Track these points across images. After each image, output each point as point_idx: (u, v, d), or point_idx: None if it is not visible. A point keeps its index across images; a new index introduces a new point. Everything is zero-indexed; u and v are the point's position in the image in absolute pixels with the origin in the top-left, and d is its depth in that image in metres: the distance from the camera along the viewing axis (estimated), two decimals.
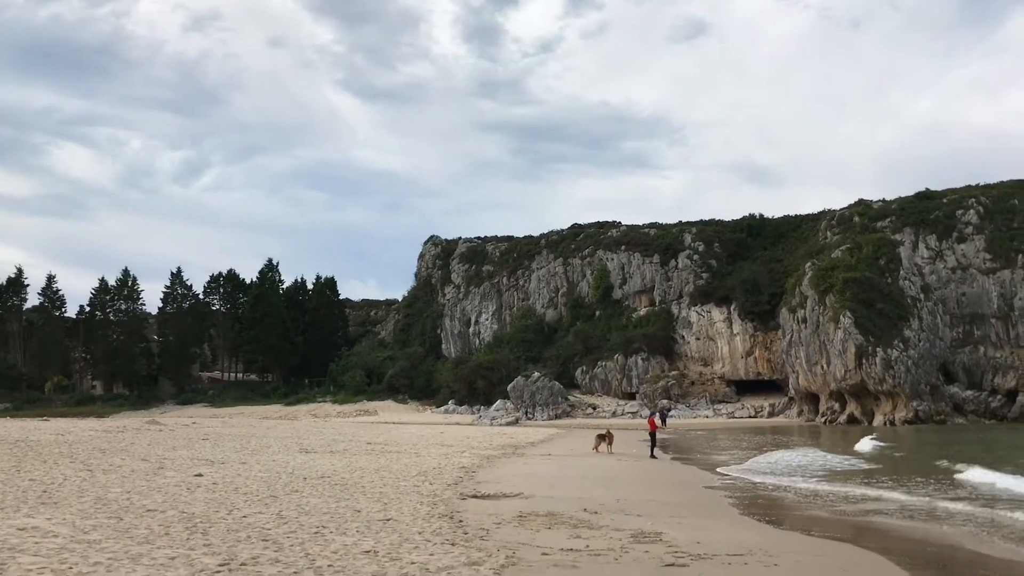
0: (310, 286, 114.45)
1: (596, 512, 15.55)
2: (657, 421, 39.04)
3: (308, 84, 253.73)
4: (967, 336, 72.34)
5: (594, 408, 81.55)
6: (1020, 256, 72.60)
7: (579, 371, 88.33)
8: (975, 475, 24.09)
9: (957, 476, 24.64)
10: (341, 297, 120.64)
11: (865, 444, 40.17)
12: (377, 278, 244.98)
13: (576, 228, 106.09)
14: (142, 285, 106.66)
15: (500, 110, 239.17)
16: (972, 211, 77.22)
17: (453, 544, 11.19)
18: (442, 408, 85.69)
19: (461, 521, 13.55)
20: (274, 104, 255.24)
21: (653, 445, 33.89)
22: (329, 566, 9.37)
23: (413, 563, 9.71)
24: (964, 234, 76.18)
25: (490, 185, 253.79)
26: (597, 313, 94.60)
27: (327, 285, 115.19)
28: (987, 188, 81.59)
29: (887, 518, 17.22)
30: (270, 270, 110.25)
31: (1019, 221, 75.36)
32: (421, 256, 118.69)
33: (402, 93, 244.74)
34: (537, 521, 13.99)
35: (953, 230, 76.86)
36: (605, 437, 35.50)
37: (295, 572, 9.01)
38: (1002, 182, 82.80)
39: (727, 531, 14.43)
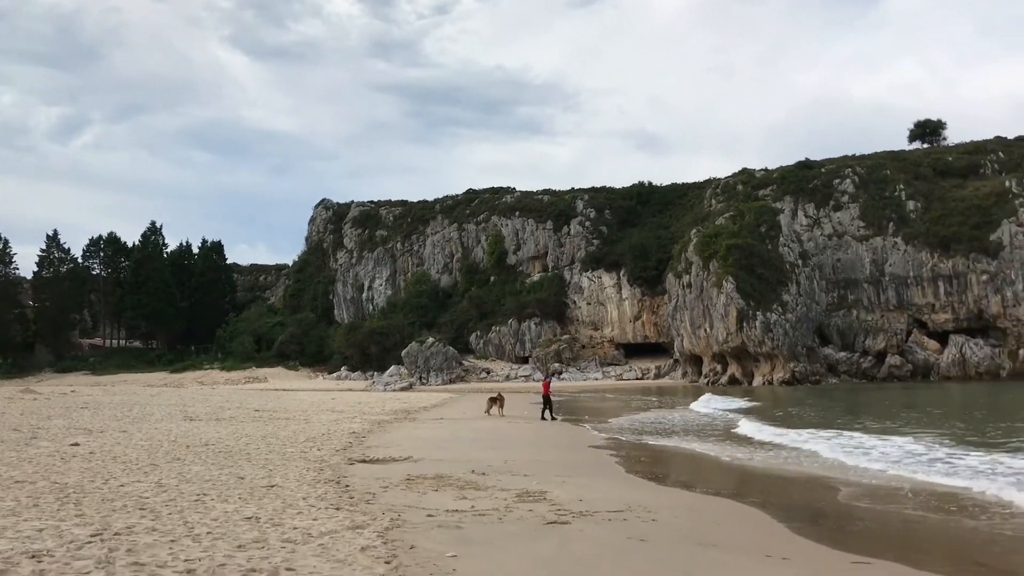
0: (196, 250, 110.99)
1: (484, 473, 15.79)
2: (556, 384, 39.67)
3: (194, 41, 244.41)
4: (841, 300, 75.98)
5: (488, 372, 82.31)
6: (891, 224, 76.47)
7: (473, 336, 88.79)
8: (745, 427, 28.74)
9: (733, 430, 28.58)
10: (229, 262, 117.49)
11: (702, 403, 43.21)
12: (267, 242, 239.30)
13: (471, 193, 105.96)
14: (15, 248, 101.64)
15: (395, 72, 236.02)
16: (848, 181, 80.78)
17: (338, 508, 11.19)
18: (334, 374, 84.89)
19: (348, 486, 13.54)
20: (158, 61, 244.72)
21: (546, 407, 34.33)
22: (208, 533, 9.25)
23: (295, 528, 9.68)
24: (840, 203, 79.68)
25: (384, 148, 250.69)
26: (492, 278, 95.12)
27: (214, 249, 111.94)
28: (862, 159, 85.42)
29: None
30: (153, 233, 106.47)
31: (890, 191, 79.30)
32: (312, 220, 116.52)
33: (293, 52, 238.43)
34: (424, 484, 14.11)
35: (830, 199, 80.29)
36: (496, 400, 35.90)
37: (172, 540, 8.85)
38: (876, 153, 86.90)
39: (610, 489, 14.86)
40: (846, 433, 24.89)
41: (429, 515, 10.96)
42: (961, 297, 72.78)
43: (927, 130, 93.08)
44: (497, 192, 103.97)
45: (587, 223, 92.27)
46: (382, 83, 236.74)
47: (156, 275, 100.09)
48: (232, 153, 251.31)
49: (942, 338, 72.23)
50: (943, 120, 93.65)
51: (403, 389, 70.42)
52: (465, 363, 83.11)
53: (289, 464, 16.37)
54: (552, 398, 35.43)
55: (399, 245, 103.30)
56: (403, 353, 79.34)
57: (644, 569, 8.76)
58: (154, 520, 9.92)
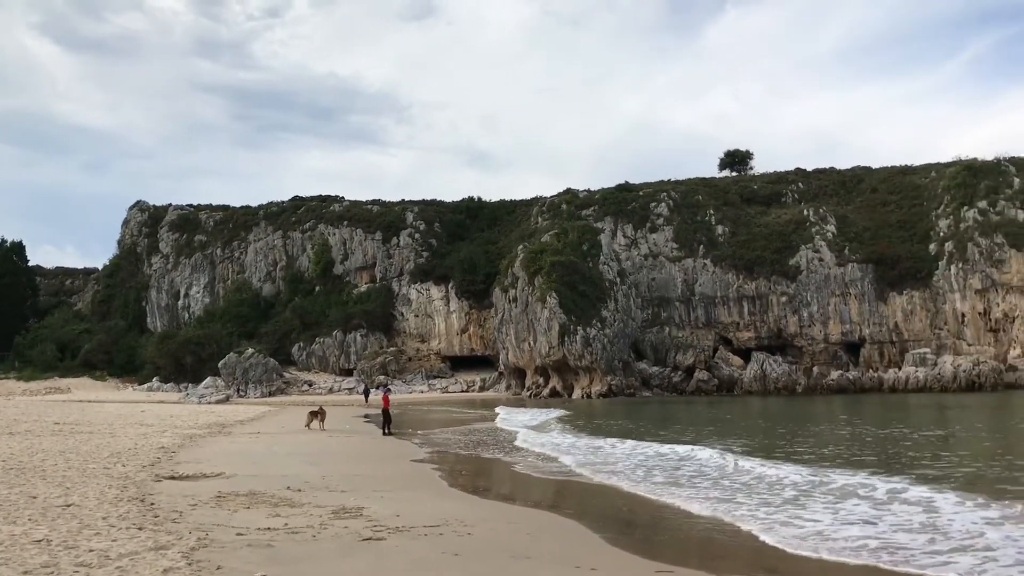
0: None
1: (300, 490, 15.48)
2: (374, 397, 39.20)
3: None
4: (655, 317, 79.68)
5: (310, 385, 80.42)
6: (701, 247, 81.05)
7: (296, 347, 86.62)
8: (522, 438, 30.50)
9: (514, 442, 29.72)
10: (32, 264, 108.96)
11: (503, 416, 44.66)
12: (77, 244, 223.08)
13: (298, 200, 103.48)
14: None
15: (221, 72, 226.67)
16: (663, 204, 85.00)
17: (141, 528, 10.67)
18: (145, 386, 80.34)
19: (153, 504, 12.93)
20: None
21: (386, 422, 33.88)
22: None
23: (91, 551, 9.16)
24: (656, 225, 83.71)
25: (208, 150, 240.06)
26: (317, 288, 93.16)
27: (13, 250, 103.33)
28: (677, 183, 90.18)
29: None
30: None
31: (702, 215, 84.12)
32: (126, 223, 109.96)
33: (111, 45, 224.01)
34: (236, 501, 13.68)
35: (647, 220, 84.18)
36: (317, 414, 35.21)
37: None
38: (689, 179, 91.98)
39: (429, 503, 14.93)
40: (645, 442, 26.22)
41: (239, 534, 10.65)
42: (763, 317, 78.11)
43: (736, 159, 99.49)
44: (325, 200, 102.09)
45: (417, 235, 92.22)
46: (207, 83, 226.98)
47: None
48: (38, 147, 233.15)
49: (745, 355, 77.06)
50: (750, 151, 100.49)
51: (219, 402, 67.56)
52: (287, 375, 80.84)
53: (90, 481, 15.42)
54: (369, 410, 35.03)
55: (219, 251, 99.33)
56: (220, 364, 76.16)
57: None
58: None
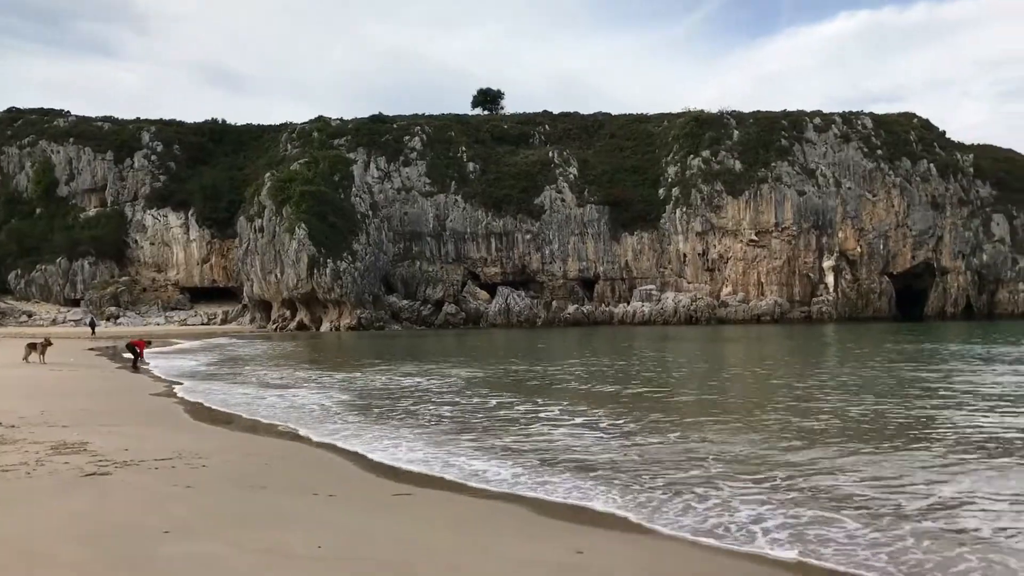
0: None
1: (14, 426, 14.37)
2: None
3: None
4: (407, 252, 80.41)
5: (30, 316, 73.78)
6: (453, 183, 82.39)
7: (13, 275, 78.87)
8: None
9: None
10: None
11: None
12: None
13: (14, 112, 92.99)
14: None
15: None
16: (417, 138, 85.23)
17: None
18: None
19: None
20: None
21: (137, 358, 31.62)
22: None
23: None
24: (409, 159, 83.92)
25: None
26: (38, 211, 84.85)
27: None
28: (431, 118, 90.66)
29: None
30: None
31: (454, 151, 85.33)
32: None
33: None
34: None
35: (400, 154, 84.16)
36: (36, 347, 32.44)
37: None
38: (443, 115, 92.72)
39: (163, 436, 14.38)
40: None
41: None
42: (509, 253, 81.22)
43: (488, 98, 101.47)
44: (48, 114, 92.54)
45: (154, 157, 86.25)
46: None
47: None
48: None
49: (492, 289, 80.00)
50: (502, 91, 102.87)
51: None
52: (1, 305, 73.45)
53: None
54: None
55: None
56: None
57: (185, 516, 8.73)
58: None
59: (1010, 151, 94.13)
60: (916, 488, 9.93)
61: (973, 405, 17.41)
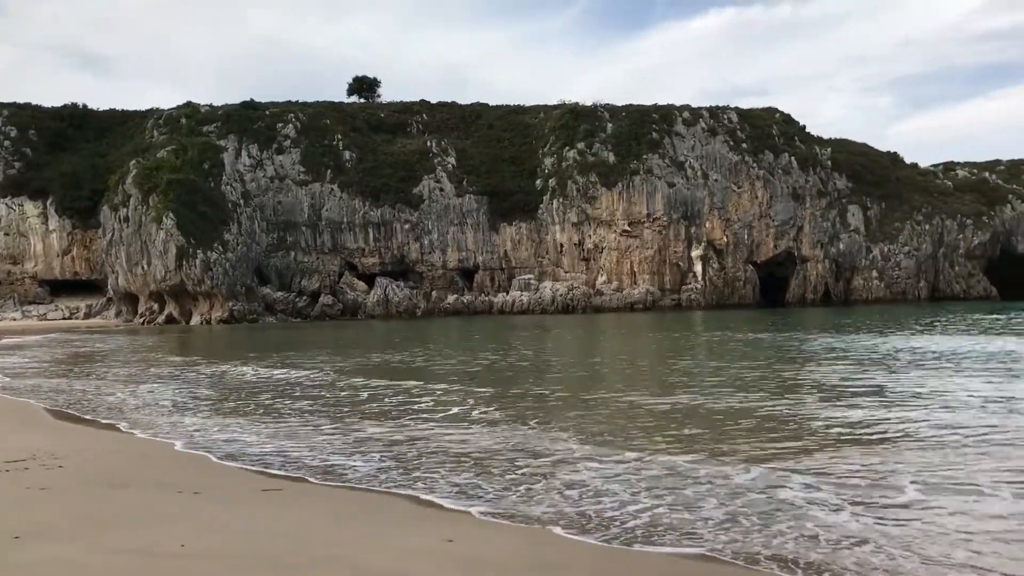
0: None
1: None
2: None
3: None
4: (281, 242, 78.75)
5: None
6: (329, 172, 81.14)
7: None
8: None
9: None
10: None
11: None
12: None
13: None
14: None
15: None
16: (291, 125, 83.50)
17: None
18: None
19: None
20: None
21: None
22: None
23: None
24: (283, 146, 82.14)
25: None
26: None
27: None
28: (305, 105, 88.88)
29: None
30: None
31: (330, 139, 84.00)
32: None
33: None
34: None
35: (274, 141, 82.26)
36: None
37: None
38: (318, 102, 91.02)
39: (14, 437, 13.84)
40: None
41: None
42: (388, 243, 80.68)
43: (364, 85, 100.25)
44: None
45: (7, 143, 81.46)
46: None
47: None
48: None
49: (370, 280, 79.30)
50: (378, 78, 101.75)
51: None
52: None
53: None
54: None
55: None
56: None
57: (45, 518, 8.51)
58: None
59: (864, 145, 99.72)
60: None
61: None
